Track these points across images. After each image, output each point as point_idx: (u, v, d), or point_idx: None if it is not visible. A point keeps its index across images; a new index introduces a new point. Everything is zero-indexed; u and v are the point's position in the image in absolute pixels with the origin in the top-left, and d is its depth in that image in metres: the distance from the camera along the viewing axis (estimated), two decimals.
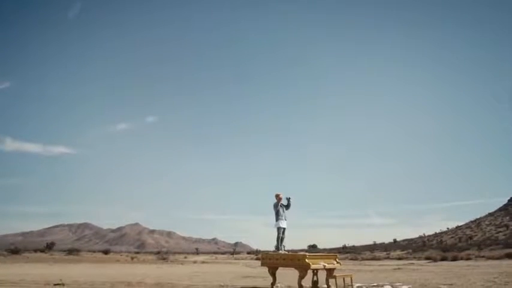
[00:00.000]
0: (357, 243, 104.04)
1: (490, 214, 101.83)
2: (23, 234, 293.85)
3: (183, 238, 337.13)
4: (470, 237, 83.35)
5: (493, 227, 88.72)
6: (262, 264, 12.04)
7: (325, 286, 11.24)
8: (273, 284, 11.63)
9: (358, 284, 12.06)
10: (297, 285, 10.91)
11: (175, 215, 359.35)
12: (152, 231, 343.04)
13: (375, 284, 12.44)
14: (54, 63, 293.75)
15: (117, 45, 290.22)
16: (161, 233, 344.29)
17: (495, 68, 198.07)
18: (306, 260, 10.72)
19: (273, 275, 11.73)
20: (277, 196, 11.72)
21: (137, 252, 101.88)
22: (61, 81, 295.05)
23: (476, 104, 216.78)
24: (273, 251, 11.85)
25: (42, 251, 58.49)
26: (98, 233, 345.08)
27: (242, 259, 62.16)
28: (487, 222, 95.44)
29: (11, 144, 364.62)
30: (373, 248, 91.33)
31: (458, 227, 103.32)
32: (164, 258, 47.88)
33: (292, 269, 11.41)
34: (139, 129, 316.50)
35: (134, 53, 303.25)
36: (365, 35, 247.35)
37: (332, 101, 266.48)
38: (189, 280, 15.27)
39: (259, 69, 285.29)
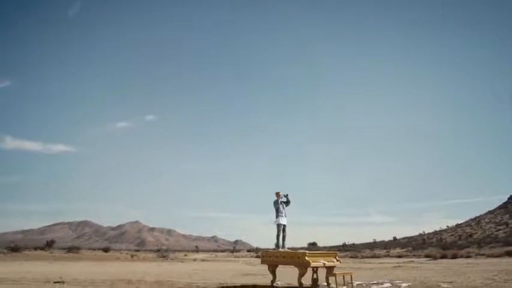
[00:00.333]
0: (357, 241, 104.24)
1: (490, 212, 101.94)
2: (23, 232, 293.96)
3: (183, 236, 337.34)
4: (470, 235, 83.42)
5: (492, 225, 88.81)
6: (262, 262, 12.05)
7: (325, 284, 11.25)
8: (273, 281, 11.64)
9: (358, 282, 12.07)
10: (297, 283, 10.92)
11: (175, 212, 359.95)
12: (152, 229, 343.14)
13: (374, 282, 12.45)
14: (54, 62, 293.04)
15: (117, 44, 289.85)
16: (161, 230, 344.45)
17: (495, 67, 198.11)
18: (306, 258, 10.73)
19: (273, 272, 11.73)
20: (277, 194, 11.80)
21: (137, 250, 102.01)
22: (61, 80, 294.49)
23: (476, 103, 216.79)
24: (273, 249, 11.86)
25: (42, 248, 58.58)
26: (98, 230, 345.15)
27: (242, 257, 62.23)
28: (486, 220, 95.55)
29: (11, 143, 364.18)
30: (373, 245, 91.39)
31: (458, 225, 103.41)
32: (164, 256, 47.91)
33: (292, 266, 11.42)
34: (139, 128, 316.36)
35: (134, 51, 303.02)
36: (365, 34, 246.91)
37: (332, 99, 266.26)
38: (189, 278, 15.29)
39: (259, 68, 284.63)
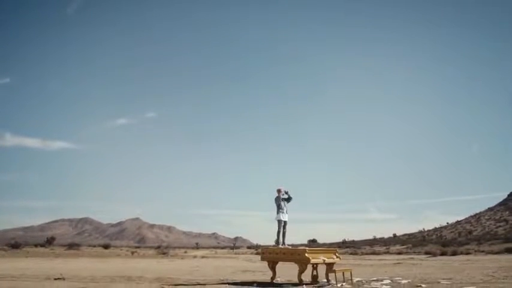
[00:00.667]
0: (357, 238, 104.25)
1: (490, 209, 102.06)
2: (24, 229, 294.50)
3: (183, 233, 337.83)
4: (470, 232, 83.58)
5: (492, 222, 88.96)
6: (262, 259, 12.08)
7: (325, 280, 11.28)
8: (272, 278, 11.66)
9: (357, 279, 12.09)
10: (297, 280, 10.95)
11: (175, 209, 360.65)
12: (152, 226, 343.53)
13: (374, 279, 12.47)
14: (53, 59, 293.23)
15: (117, 41, 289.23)
16: (161, 227, 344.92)
17: (495, 66, 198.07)
18: (306, 255, 10.76)
19: (273, 269, 11.76)
20: (278, 190, 11.84)
21: (137, 247, 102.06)
22: (60, 77, 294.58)
23: (475, 99, 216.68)
24: (273, 246, 11.88)
25: (42, 245, 58.56)
26: (98, 227, 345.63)
27: (242, 254, 62.31)
28: (486, 217, 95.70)
29: (10, 139, 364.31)
30: (373, 242, 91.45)
31: (458, 222, 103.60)
32: (164, 253, 47.94)
33: (292, 263, 11.45)
34: (139, 125, 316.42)
35: (134, 48, 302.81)
36: (365, 32, 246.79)
37: (332, 96, 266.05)
38: (189, 274, 15.31)
39: (259, 66, 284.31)
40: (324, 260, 11.29)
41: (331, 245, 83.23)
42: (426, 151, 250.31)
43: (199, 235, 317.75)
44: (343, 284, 10.78)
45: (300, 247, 12.14)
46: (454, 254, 35.36)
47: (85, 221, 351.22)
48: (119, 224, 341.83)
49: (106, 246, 67.43)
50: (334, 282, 10.84)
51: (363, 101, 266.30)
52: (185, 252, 66.69)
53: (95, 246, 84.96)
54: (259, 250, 15.62)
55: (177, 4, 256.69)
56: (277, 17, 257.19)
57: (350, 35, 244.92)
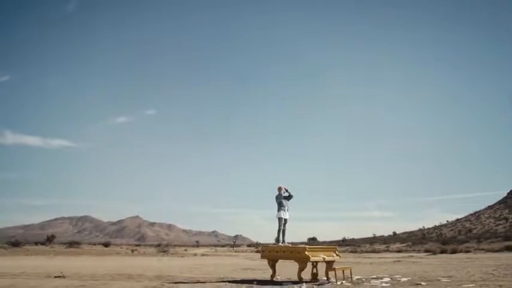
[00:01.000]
0: (357, 236, 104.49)
1: (490, 207, 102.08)
2: (24, 227, 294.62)
3: (183, 231, 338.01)
4: (470, 230, 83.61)
5: (492, 220, 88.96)
6: (262, 257, 12.09)
7: (325, 278, 11.29)
8: (272, 276, 11.67)
9: (357, 277, 12.10)
10: (296, 278, 10.95)
11: (175, 207, 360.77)
12: (152, 224, 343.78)
13: (374, 277, 12.48)
14: (53, 57, 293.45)
15: (117, 39, 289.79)
16: (161, 225, 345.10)
17: (495, 65, 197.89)
18: (306, 253, 10.77)
19: (273, 267, 11.77)
20: (279, 188, 11.86)
21: (137, 245, 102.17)
22: (61, 75, 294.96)
23: (475, 98, 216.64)
24: (273, 244, 11.88)
25: (42, 243, 58.57)
26: (98, 225, 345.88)
27: (242, 252, 62.37)
28: (486, 215, 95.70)
29: (10, 137, 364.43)
30: (372, 240, 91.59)
31: (457, 220, 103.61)
32: (164, 251, 47.95)
33: (292, 261, 11.45)
34: (139, 122, 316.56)
35: (134, 46, 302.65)
36: (365, 31, 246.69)
37: (332, 94, 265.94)
38: (190, 272, 15.33)
39: (259, 64, 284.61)
40: (324, 258, 11.30)
41: (331, 243, 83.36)
42: (426, 149, 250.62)
43: (200, 233, 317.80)
44: (343, 282, 10.79)
45: (299, 245, 12.14)
46: (453, 252, 35.39)
47: (85, 219, 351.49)
48: (119, 222, 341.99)
49: (106, 245, 67.49)
50: (334, 280, 10.84)
51: (363, 99, 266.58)
52: (185, 250, 66.79)
53: (95, 244, 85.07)
54: (259, 248, 15.63)
55: (177, 3, 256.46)
56: (277, 16, 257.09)
57: (350, 34, 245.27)
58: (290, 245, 11.80)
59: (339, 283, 10.54)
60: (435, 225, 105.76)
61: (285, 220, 11.78)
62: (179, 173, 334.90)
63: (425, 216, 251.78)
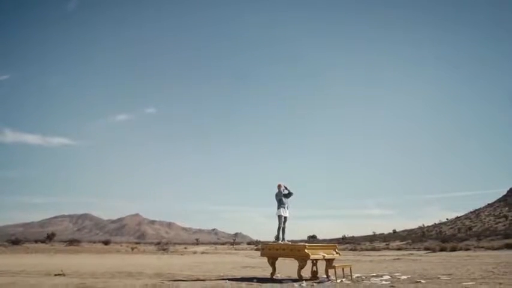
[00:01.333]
0: (357, 234, 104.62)
1: (489, 205, 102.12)
2: (24, 225, 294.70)
3: (183, 229, 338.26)
4: (470, 228, 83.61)
5: (492, 218, 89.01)
6: (262, 255, 12.09)
7: (325, 276, 11.29)
8: (272, 274, 11.67)
9: (357, 274, 12.10)
10: (296, 275, 10.95)
11: (175, 205, 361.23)
12: (152, 222, 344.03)
13: (374, 274, 12.49)
14: (53, 55, 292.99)
15: (117, 37, 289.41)
16: (161, 223, 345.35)
17: (495, 64, 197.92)
18: (306, 251, 10.77)
19: (273, 265, 11.77)
20: (279, 186, 11.85)
21: (137, 243, 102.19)
22: (60, 73, 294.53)
23: (475, 96, 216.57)
24: (273, 242, 11.88)
25: (42, 241, 58.61)
26: (98, 223, 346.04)
27: (242, 250, 62.43)
28: (486, 213, 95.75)
29: (10, 136, 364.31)
30: (372, 238, 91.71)
31: (457, 218, 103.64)
32: (164, 249, 47.97)
33: (292, 259, 11.45)
34: (139, 120, 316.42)
35: (134, 44, 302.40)
36: (365, 30, 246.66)
37: (332, 92, 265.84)
38: (189, 270, 15.33)
39: (259, 63, 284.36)
40: (324, 256, 11.30)
41: (331, 241, 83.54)
42: (426, 147, 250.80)
43: (199, 231, 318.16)
44: (343, 279, 10.79)
45: (299, 243, 12.15)
46: (453, 250, 35.42)
47: (85, 217, 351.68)
48: (119, 220, 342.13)
49: (106, 242, 67.48)
50: (334, 278, 10.85)
51: (363, 97, 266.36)
52: (185, 248, 66.83)
53: (95, 242, 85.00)
54: (259, 246, 15.63)
55: (178, 2, 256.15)
56: (278, 16, 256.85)
57: (350, 33, 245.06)
58: (290, 243, 11.80)
59: (338, 281, 10.55)
60: (435, 223, 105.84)
61: (285, 218, 11.78)
62: (179, 171, 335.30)
63: (425, 214, 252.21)
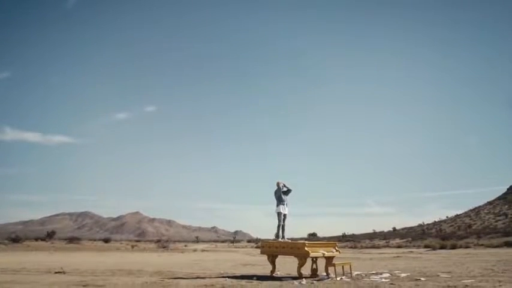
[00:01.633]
0: (357, 232, 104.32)
1: (489, 203, 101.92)
2: (24, 223, 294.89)
3: (183, 226, 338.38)
4: (469, 226, 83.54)
5: (492, 216, 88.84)
6: (262, 252, 12.11)
7: (325, 274, 11.30)
8: (272, 271, 11.69)
9: (357, 272, 12.12)
10: (296, 273, 10.97)
11: (175, 203, 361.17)
12: (152, 220, 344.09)
13: (374, 272, 12.50)
14: (53, 54, 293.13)
15: (117, 36, 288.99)
16: (161, 221, 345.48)
17: (495, 63, 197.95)
18: (305, 248, 10.78)
19: (273, 263, 11.79)
20: (278, 184, 11.87)
21: (137, 241, 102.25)
22: (61, 71, 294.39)
23: (475, 93, 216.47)
24: (273, 239, 11.89)
25: (43, 239, 58.69)
26: (99, 221, 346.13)
27: (242, 247, 62.50)
28: (486, 211, 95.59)
29: (10, 134, 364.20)
30: (372, 236, 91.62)
31: (457, 216, 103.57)
32: (164, 247, 48.05)
33: (292, 257, 11.46)
34: (139, 119, 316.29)
35: (134, 43, 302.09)
36: (366, 29, 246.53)
37: (331, 89, 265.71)
38: (189, 268, 15.35)
39: (258, 61, 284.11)
40: (324, 254, 11.31)
41: (330, 238, 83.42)
42: (426, 145, 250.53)
43: (199, 229, 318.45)
44: (343, 277, 10.80)
45: (299, 241, 12.16)
46: (453, 247, 35.42)
47: (85, 215, 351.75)
48: (119, 218, 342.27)
49: (106, 240, 67.65)
50: (334, 276, 10.86)
51: (363, 95, 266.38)
52: (185, 246, 66.90)
53: (95, 240, 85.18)
54: (259, 244, 15.66)
55: (177, 1, 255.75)
56: (277, 14, 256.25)
57: (349, 31, 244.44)
58: (290, 241, 11.81)
59: (338, 279, 10.55)
60: (435, 221, 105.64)
61: (284, 215, 11.78)
62: (179, 168, 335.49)
63: (425, 212, 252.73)
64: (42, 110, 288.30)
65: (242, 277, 11.21)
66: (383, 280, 10.19)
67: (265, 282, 9.82)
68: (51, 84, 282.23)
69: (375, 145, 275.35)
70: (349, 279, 10.43)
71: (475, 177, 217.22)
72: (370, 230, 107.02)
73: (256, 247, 50.21)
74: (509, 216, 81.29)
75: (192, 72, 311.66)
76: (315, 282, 9.94)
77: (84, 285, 9.27)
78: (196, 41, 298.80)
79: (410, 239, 69.11)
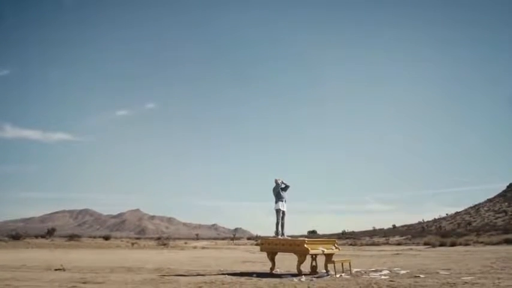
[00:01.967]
0: (357, 229, 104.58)
1: (489, 200, 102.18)
2: (24, 220, 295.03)
3: (183, 224, 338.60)
4: (469, 223, 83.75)
5: (491, 213, 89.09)
6: (262, 250, 12.12)
7: (324, 271, 11.31)
8: (272, 268, 11.70)
9: (356, 269, 12.13)
10: (296, 270, 10.98)
11: (175, 200, 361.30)
12: (152, 217, 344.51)
13: (373, 269, 12.52)
14: (53, 50, 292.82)
15: (118, 33, 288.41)
16: (161, 218, 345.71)
17: (496, 61, 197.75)
18: (305, 246, 10.79)
19: (272, 260, 11.80)
20: (276, 181, 11.87)
21: (138, 238, 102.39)
22: (60, 68, 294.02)
23: (475, 91, 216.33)
24: (273, 237, 11.90)
25: (43, 236, 58.64)
26: (99, 219, 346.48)
27: (242, 245, 62.54)
28: (485, 208, 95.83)
29: (10, 131, 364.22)
30: (372, 233, 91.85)
31: (457, 213, 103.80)
32: (164, 244, 48.03)
33: (292, 254, 11.47)
34: (139, 116, 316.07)
35: (134, 40, 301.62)
36: (366, 29, 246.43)
37: (331, 87, 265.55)
38: (189, 265, 15.37)
39: (259, 59, 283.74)
40: (323, 251, 11.32)
41: (330, 236, 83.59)
42: (426, 142, 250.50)
43: (200, 226, 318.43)
44: (342, 274, 10.82)
45: (299, 238, 12.17)
46: (453, 244, 35.42)
47: (85, 212, 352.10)
48: (119, 215, 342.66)
49: (106, 238, 67.54)
50: (333, 273, 10.87)
51: (362, 93, 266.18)
52: (185, 243, 66.88)
53: (95, 237, 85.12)
54: (259, 241, 15.67)
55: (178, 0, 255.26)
56: (277, 13, 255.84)
57: (349, 31, 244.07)
58: (289, 238, 11.82)
59: (338, 276, 10.56)
60: (434, 218, 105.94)
61: (283, 212, 11.78)
62: (179, 166, 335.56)
63: (424, 209, 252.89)
64: (42, 108, 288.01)
65: (242, 274, 11.23)
66: (382, 277, 10.20)
67: (264, 279, 9.83)
68: (51, 81, 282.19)
69: (374, 142, 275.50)
70: (348, 276, 10.44)
71: (474, 175, 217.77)
72: (370, 228, 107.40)
73: (256, 244, 50.26)
74: (509, 213, 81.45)
75: (192, 69, 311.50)
76: (314, 279, 9.95)
77: (84, 282, 9.27)
78: (197, 38, 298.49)
79: (410, 236, 69.23)
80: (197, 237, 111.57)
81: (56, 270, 12.47)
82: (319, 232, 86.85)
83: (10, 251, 27.45)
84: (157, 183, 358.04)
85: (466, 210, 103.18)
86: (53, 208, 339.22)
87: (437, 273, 11.02)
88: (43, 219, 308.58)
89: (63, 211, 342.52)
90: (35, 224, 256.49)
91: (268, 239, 12.09)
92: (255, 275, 10.81)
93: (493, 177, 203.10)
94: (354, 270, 11.66)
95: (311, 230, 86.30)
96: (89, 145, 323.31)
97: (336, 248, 11.99)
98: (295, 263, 11.09)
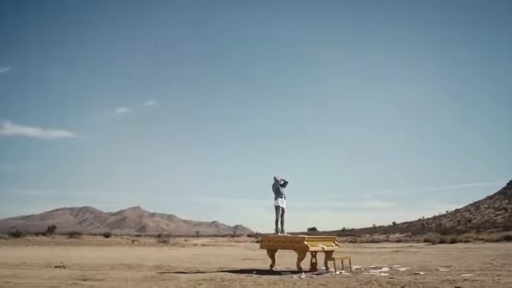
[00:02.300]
0: (357, 226, 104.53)
1: (489, 197, 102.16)
2: (24, 217, 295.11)
3: (184, 221, 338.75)
4: (469, 220, 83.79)
5: (491, 210, 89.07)
6: (262, 247, 12.14)
7: (324, 268, 11.32)
8: (272, 266, 11.72)
9: (356, 266, 12.15)
10: (296, 267, 10.99)
11: (175, 198, 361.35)
12: (153, 215, 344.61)
13: (373, 266, 12.53)
14: (53, 48, 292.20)
15: (118, 30, 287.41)
16: (162, 216, 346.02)
17: (496, 60, 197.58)
18: (305, 243, 10.81)
19: (272, 257, 11.82)
20: (275, 178, 11.86)
21: (138, 236, 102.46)
22: (60, 65, 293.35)
23: (476, 89, 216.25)
24: (273, 234, 11.91)
25: (43, 234, 58.71)
26: (99, 216, 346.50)
27: (242, 242, 62.62)
28: (485, 206, 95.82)
29: (10, 128, 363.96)
30: (372, 230, 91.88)
31: (457, 210, 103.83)
32: (165, 241, 48.11)
33: (291, 251, 11.49)
34: (139, 113, 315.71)
35: (134, 38, 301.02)
36: (365, 28, 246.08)
37: (332, 84, 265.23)
38: (190, 263, 15.39)
39: (259, 57, 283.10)
40: (323, 248, 11.33)
41: (330, 233, 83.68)
42: (426, 140, 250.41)
43: (200, 223, 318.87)
44: (342, 271, 10.83)
45: (299, 235, 12.18)
46: (453, 242, 35.47)
47: (86, 209, 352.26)
48: (120, 212, 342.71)
49: (107, 235, 67.57)
50: (333, 270, 10.89)
51: (362, 90, 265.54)
52: (185, 240, 66.97)
53: (95, 234, 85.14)
54: (259, 238, 15.69)
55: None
56: (277, 11, 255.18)
57: (349, 29, 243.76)
58: (289, 235, 11.83)
59: (337, 273, 10.58)
60: (435, 216, 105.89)
61: (282, 209, 11.76)
62: (179, 163, 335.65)
63: (424, 206, 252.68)
64: (42, 105, 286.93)
65: (242, 271, 11.25)
66: (382, 274, 10.21)
67: (264, 276, 9.84)
68: (51, 78, 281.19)
69: (375, 140, 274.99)
70: (348, 274, 10.45)
71: (475, 172, 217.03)
72: (370, 225, 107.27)
73: (256, 241, 50.33)
74: (509, 210, 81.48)
75: (192, 66, 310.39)
76: (314, 276, 9.96)
77: (84, 279, 9.29)
78: (197, 36, 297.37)
79: (410, 233, 69.30)
80: (197, 235, 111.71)
81: (56, 267, 12.49)
82: (319, 229, 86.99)
83: (10, 249, 27.50)
84: (158, 180, 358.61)
85: (466, 207, 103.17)
86: (53, 205, 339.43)
87: (437, 270, 11.03)
88: (43, 216, 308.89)
89: (64, 208, 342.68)
90: (35, 222, 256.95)
91: (268, 236, 12.11)
92: (255, 272, 10.83)
93: (493, 175, 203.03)
94: (354, 267, 11.68)
95: (311, 227, 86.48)
96: (89, 142, 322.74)
97: (336, 245, 12.00)
98: (295, 260, 11.10)
